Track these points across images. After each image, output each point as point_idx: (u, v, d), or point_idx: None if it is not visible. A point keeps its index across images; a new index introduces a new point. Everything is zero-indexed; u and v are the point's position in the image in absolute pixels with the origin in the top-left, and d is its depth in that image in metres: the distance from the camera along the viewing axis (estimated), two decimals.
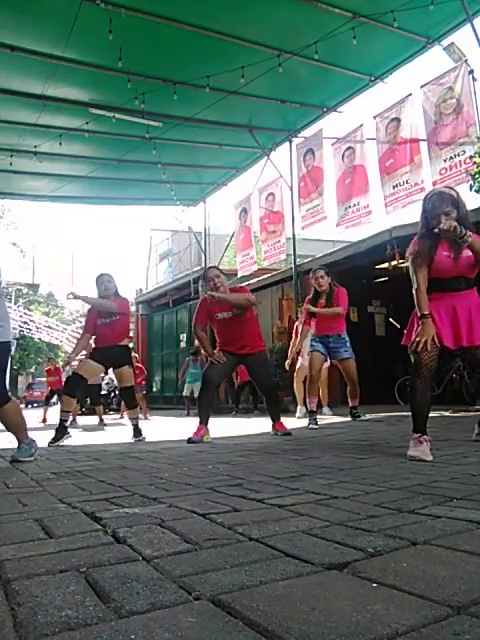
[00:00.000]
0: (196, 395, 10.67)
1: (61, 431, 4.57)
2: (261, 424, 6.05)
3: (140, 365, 12.67)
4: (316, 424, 5.19)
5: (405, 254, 3.03)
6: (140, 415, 11.28)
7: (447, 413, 5.93)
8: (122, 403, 11.84)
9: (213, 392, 4.64)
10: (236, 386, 10.24)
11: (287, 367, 7.47)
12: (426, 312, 2.76)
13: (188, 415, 10.39)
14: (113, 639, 0.76)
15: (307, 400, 5.48)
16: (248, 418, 8.03)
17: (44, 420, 10.50)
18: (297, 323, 7.62)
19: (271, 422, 4.74)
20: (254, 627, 0.78)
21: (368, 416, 5.93)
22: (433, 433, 3.12)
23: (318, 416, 5.40)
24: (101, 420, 9.04)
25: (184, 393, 11.39)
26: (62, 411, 4.76)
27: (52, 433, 4.58)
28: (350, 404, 5.74)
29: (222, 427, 5.52)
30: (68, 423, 4.76)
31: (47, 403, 11.62)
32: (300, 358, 7.44)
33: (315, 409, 5.31)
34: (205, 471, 2.47)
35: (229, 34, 6.85)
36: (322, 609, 0.83)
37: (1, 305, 3.14)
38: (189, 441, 4.17)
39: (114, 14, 6.09)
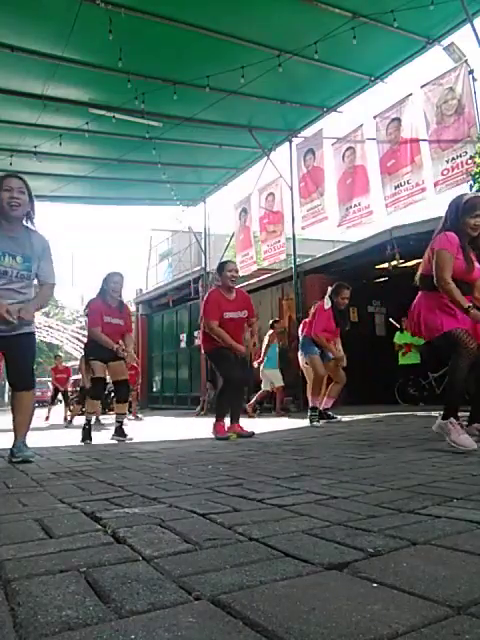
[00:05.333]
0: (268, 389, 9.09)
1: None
2: (262, 424, 6.06)
3: (136, 365, 12.65)
4: (318, 421, 5.44)
5: (433, 248, 3.09)
6: (129, 415, 11.23)
7: None
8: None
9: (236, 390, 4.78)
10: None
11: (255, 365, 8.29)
12: (469, 305, 2.96)
13: (259, 413, 8.92)
14: (113, 639, 0.76)
15: (311, 398, 5.69)
16: (254, 419, 8.00)
17: (47, 418, 10.50)
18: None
19: (230, 422, 4.64)
20: (254, 627, 0.77)
21: (362, 416, 5.98)
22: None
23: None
24: (97, 419, 9.04)
25: (264, 386, 8.96)
26: (87, 413, 5.08)
27: (53, 433, 4.61)
28: (325, 405, 5.70)
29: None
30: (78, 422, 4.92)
31: (52, 402, 11.64)
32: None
33: (318, 406, 5.57)
34: (205, 471, 2.47)
35: (229, 34, 6.84)
36: (322, 609, 0.83)
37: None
38: (222, 439, 4.35)
39: (114, 14, 6.09)
